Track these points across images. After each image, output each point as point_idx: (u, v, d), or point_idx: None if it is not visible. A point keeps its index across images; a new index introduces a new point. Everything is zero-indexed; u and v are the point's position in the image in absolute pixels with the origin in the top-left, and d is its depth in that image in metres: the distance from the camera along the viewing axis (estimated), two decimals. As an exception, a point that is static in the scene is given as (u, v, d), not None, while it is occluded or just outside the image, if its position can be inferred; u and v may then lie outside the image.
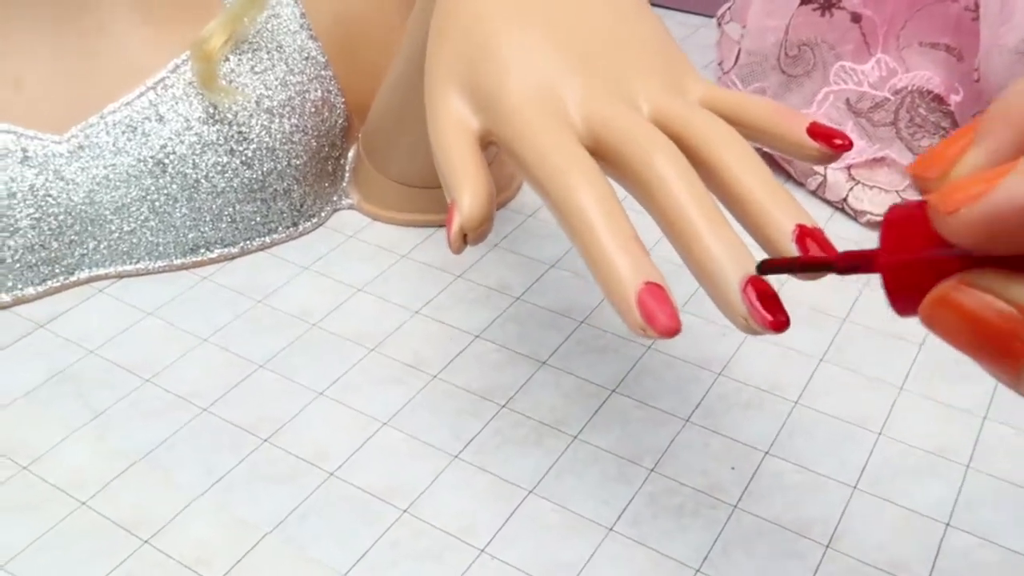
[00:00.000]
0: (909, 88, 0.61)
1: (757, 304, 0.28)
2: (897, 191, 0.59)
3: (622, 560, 0.39)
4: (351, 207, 0.60)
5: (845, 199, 0.60)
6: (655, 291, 0.29)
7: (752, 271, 0.29)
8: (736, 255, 0.30)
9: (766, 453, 0.44)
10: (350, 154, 0.61)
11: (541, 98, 0.35)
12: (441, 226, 0.59)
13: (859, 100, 0.62)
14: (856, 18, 0.62)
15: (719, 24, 0.70)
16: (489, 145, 0.36)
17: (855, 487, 0.42)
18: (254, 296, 0.53)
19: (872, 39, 0.62)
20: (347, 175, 0.61)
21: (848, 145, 0.33)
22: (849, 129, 0.61)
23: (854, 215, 0.60)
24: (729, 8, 0.69)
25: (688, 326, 0.51)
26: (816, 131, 0.33)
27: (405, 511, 0.41)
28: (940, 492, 0.42)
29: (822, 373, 0.48)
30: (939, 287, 0.20)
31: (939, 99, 0.60)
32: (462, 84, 0.37)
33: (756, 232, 0.32)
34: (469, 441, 0.44)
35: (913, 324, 0.22)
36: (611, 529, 0.40)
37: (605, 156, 0.33)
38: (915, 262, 0.21)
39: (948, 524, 0.41)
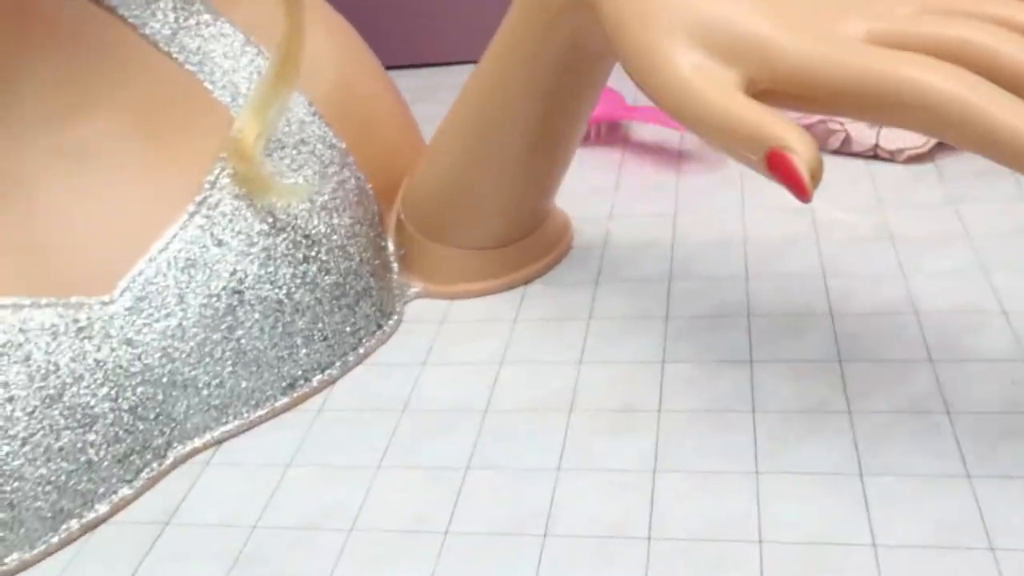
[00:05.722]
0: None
1: None
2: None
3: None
4: (418, 296, 0.53)
5: (876, 144, 0.61)
6: None
7: None
8: None
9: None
10: (390, 242, 0.54)
11: (819, 25, 0.32)
12: (526, 283, 0.53)
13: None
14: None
15: None
16: (760, 94, 0.33)
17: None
18: (394, 407, 0.45)
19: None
20: (395, 264, 0.54)
21: None
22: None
23: (890, 156, 0.61)
24: None
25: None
26: None
27: (760, 540, 0.35)
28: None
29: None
30: None
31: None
32: (697, 40, 0.33)
33: None
34: (756, 454, 0.39)
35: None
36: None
37: None
38: None
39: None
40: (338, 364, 0.47)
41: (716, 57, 0.33)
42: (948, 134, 0.30)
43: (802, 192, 0.30)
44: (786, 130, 0.30)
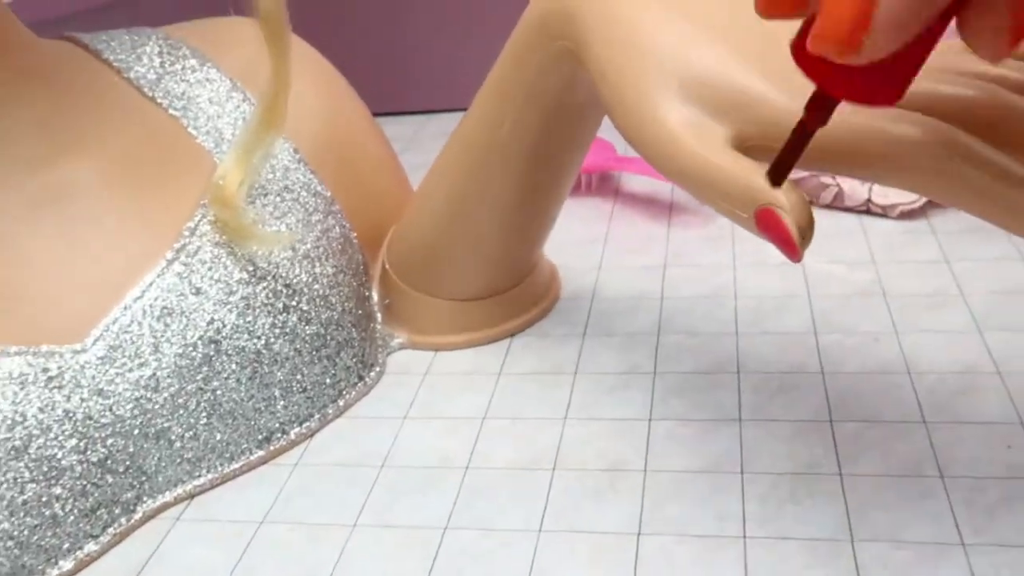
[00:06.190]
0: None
1: None
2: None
3: None
4: (401, 347, 0.52)
5: (868, 200, 0.60)
6: None
7: None
8: None
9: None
10: (374, 291, 0.53)
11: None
12: (512, 335, 0.52)
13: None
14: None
15: None
16: (750, 149, 0.32)
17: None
18: (373, 462, 0.43)
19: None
20: (378, 315, 0.53)
21: None
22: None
23: (883, 212, 0.60)
24: None
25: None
26: None
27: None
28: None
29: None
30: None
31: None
32: (686, 93, 0.32)
33: None
34: (743, 518, 0.38)
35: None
36: None
37: None
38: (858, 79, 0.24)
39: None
40: (317, 417, 0.46)
41: (706, 111, 0.32)
42: (937, 193, 0.29)
43: (792, 251, 0.29)
44: (771, 183, 0.30)
